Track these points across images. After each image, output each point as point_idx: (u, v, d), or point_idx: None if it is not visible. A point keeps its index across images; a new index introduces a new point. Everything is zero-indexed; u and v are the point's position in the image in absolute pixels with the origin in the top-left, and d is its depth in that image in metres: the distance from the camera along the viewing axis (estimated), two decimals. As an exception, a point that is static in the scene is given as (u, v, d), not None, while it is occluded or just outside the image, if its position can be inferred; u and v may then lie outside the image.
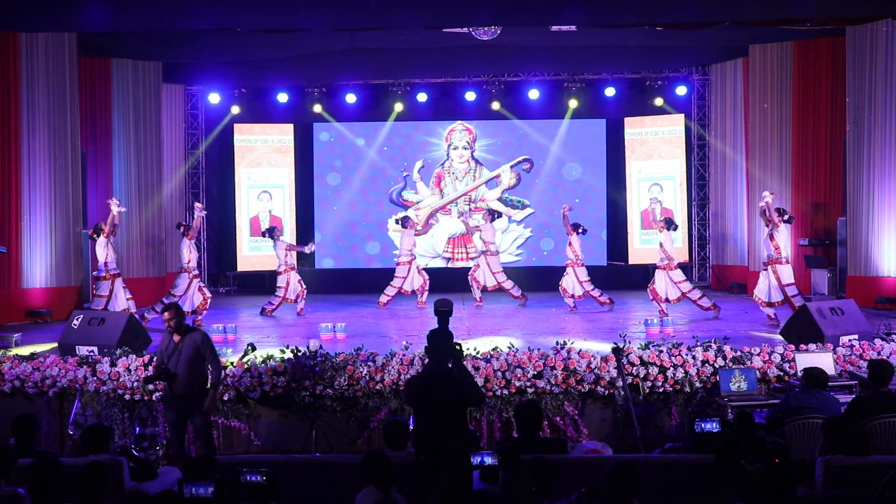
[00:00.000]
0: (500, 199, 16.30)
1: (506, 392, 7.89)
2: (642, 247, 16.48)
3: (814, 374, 6.77)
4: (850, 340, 8.60)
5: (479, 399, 6.05)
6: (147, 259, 14.90)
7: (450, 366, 5.72)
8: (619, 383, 7.85)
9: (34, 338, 10.40)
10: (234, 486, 4.65)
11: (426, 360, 7.61)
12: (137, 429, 7.94)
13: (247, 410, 8.04)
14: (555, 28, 12.43)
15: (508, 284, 13.48)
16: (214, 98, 16.30)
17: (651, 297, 11.90)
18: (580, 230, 12.96)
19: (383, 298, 13.49)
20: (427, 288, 13.49)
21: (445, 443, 5.50)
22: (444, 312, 5.88)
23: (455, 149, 14.40)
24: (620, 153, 16.74)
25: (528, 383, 7.91)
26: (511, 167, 14.70)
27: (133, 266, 14.65)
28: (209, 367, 6.78)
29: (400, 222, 13.74)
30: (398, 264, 13.59)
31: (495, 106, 16.05)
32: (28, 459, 5.08)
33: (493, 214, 13.74)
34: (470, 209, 16.01)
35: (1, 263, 12.02)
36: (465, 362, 5.86)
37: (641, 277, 16.54)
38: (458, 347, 5.74)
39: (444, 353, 5.71)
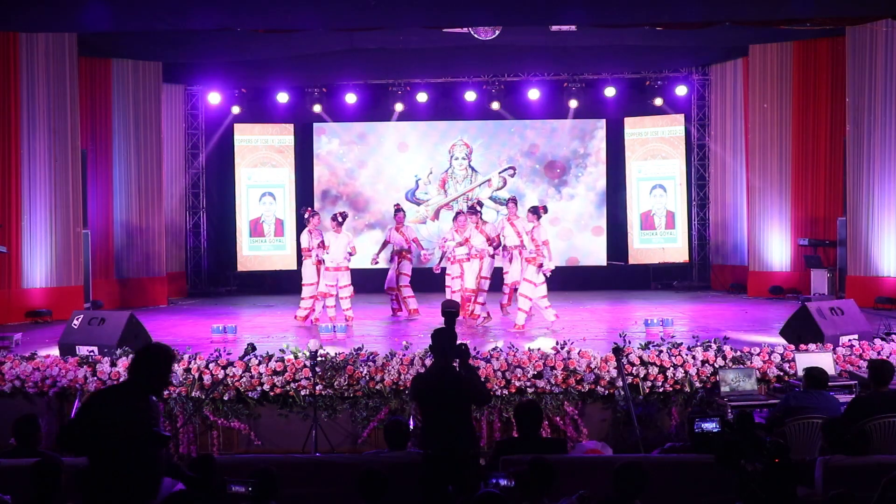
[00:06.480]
0: (489, 198, 16.54)
1: (506, 392, 7.88)
2: (642, 247, 16.48)
3: (814, 374, 6.76)
4: (850, 340, 8.59)
5: (486, 398, 6.06)
6: (146, 259, 14.90)
7: (455, 365, 5.74)
8: (619, 383, 7.85)
9: (34, 338, 10.39)
10: (221, 494, 4.62)
11: (429, 359, 7.68)
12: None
13: (247, 410, 8.04)
14: (555, 28, 12.42)
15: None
16: (214, 98, 16.29)
17: None
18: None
19: (412, 304, 12.10)
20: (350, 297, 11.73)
21: (452, 441, 5.52)
22: (450, 313, 5.94)
23: (456, 159, 16.46)
24: (620, 153, 16.74)
25: (528, 383, 7.91)
26: (499, 173, 16.43)
27: (132, 265, 14.65)
28: None
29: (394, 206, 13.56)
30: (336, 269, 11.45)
31: (495, 106, 16.07)
32: (29, 460, 5.08)
33: (539, 212, 10.91)
34: (468, 206, 16.27)
35: (1, 263, 12.02)
36: (470, 362, 5.89)
37: (641, 277, 16.57)
38: (463, 347, 5.77)
39: (447, 352, 5.73)
